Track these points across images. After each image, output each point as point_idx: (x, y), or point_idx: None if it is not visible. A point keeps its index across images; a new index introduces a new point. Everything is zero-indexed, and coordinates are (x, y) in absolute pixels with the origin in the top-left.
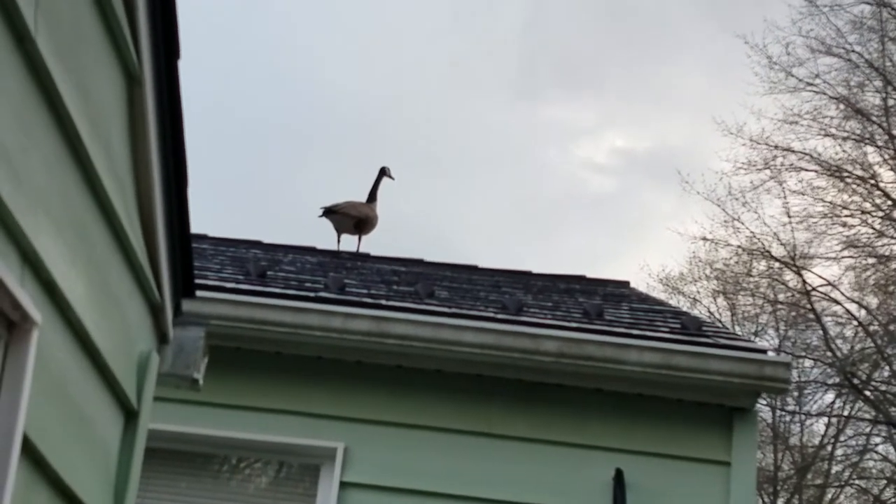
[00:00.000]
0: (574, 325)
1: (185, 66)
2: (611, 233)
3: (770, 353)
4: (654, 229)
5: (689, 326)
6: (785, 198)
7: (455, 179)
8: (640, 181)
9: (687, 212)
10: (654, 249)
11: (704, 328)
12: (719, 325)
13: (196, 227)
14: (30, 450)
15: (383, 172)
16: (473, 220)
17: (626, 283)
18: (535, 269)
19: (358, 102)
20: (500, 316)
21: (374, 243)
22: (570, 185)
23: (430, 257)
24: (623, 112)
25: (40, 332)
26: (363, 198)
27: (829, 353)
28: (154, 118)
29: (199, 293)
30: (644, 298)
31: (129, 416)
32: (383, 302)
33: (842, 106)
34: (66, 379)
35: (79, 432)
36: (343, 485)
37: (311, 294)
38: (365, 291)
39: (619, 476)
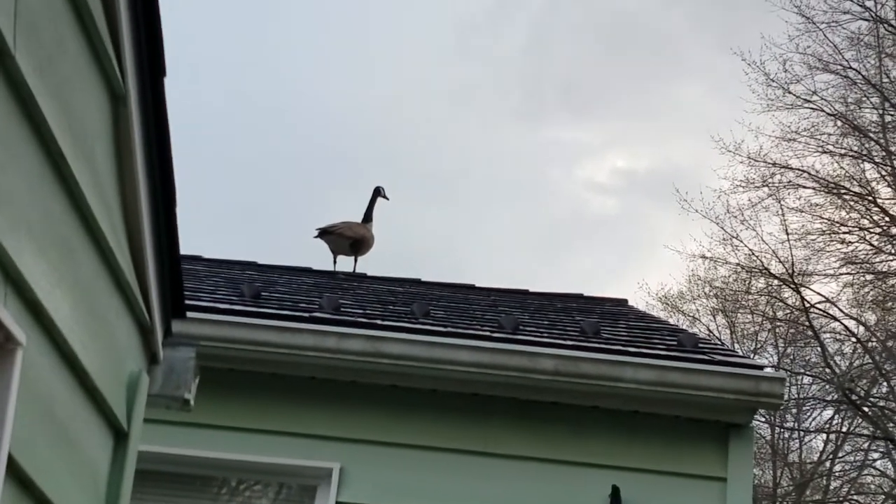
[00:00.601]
0: (570, 343)
1: (180, 81)
2: (613, 252)
3: (766, 370)
4: (657, 248)
5: (685, 343)
6: (783, 215)
7: (456, 199)
8: (642, 201)
9: (689, 230)
10: (656, 269)
11: (700, 345)
12: (716, 342)
13: (191, 248)
14: (15, 470)
15: (378, 192)
16: (475, 239)
17: (623, 301)
18: (534, 288)
19: (359, 120)
20: (496, 334)
21: (370, 264)
22: (572, 206)
23: (428, 277)
24: (624, 132)
25: (25, 353)
26: (358, 218)
27: (827, 370)
28: (140, 136)
29: (192, 314)
30: (641, 316)
31: (119, 436)
32: (378, 322)
33: (839, 123)
34: (52, 399)
35: (66, 453)
36: None
37: (306, 314)
38: (360, 311)
39: (615, 493)
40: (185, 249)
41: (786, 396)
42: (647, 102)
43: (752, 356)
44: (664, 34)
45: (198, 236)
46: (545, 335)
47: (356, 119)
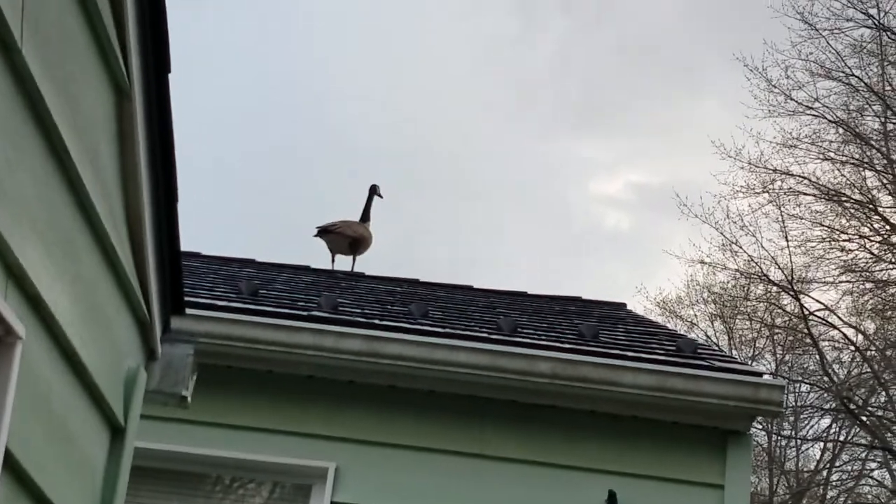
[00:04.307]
0: (568, 346)
1: (203, 81)
2: (623, 268)
3: (765, 377)
4: (666, 262)
5: (685, 349)
6: (783, 222)
7: (468, 211)
8: (654, 216)
9: (699, 241)
10: (667, 281)
11: (700, 351)
12: (715, 347)
13: (190, 245)
14: (12, 465)
15: (374, 191)
16: (483, 251)
17: (622, 305)
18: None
19: (375, 129)
20: (494, 336)
21: (369, 263)
22: (584, 221)
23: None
24: (638, 148)
25: (24, 347)
26: (355, 216)
27: (825, 378)
28: (143, 133)
29: (190, 311)
30: (640, 320)
31: (116, 432)
32: (377, 321)
33: (841, 130)
34: (50, 394)
35: (63, 448)
36: None
37: (304, 313)
38: (358, 311)
39: (612, 498)
40: (184, 246)
41: (784, 404)
42: (662, 119)
43: (749, 363)
44: (680, 52)
45: (196, 234)
46: (543, 338)
47: (371, 129)
